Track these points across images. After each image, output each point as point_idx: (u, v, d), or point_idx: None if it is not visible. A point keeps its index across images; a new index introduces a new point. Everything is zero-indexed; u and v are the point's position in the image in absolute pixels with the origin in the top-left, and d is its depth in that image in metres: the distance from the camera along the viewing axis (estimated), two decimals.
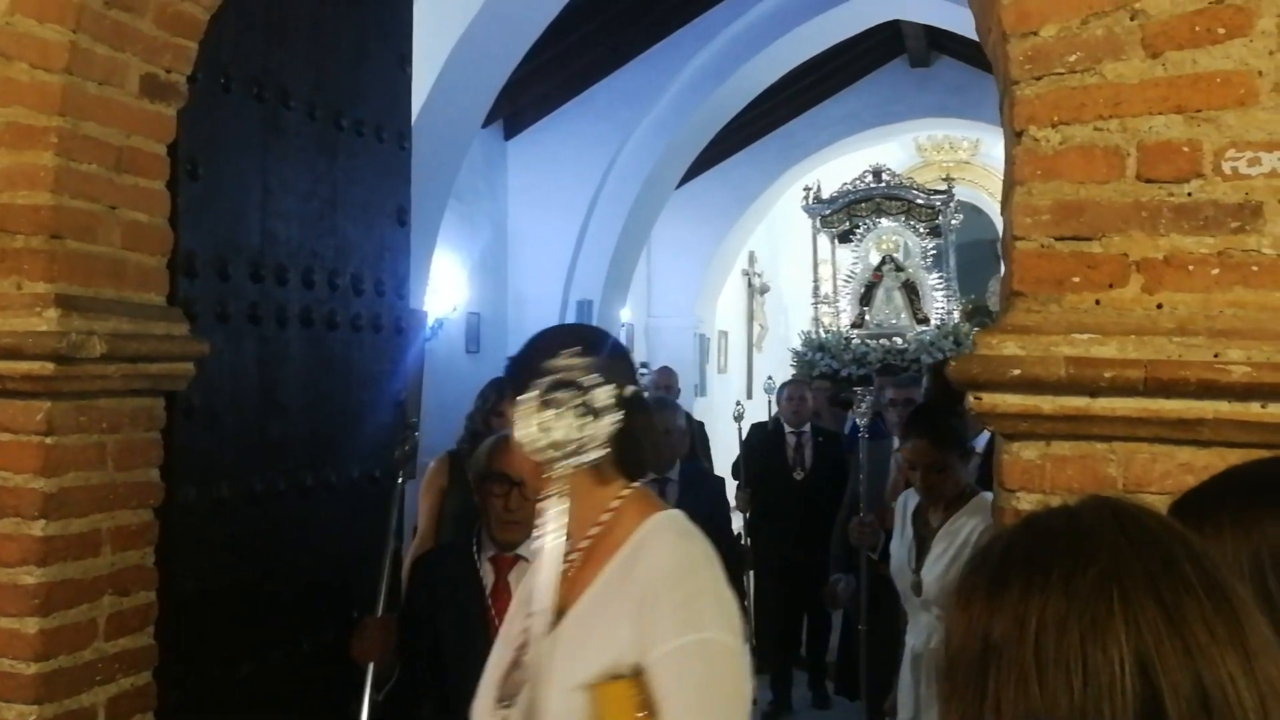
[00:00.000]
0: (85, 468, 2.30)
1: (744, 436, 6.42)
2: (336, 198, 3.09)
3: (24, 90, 2.20)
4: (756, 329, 15.46)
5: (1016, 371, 1.75)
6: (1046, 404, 1.75)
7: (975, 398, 1.81)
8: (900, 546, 3.64)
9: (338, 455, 3.08)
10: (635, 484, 1.74)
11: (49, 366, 2.16)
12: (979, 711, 0.89)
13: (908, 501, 3.68)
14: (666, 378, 8.23)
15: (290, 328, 2.93)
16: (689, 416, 5.67)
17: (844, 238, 11.46)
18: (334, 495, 3.05)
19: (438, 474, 4.07)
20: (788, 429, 6.63)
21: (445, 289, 8.22)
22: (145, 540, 2.45)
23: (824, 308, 11.27)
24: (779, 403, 6.89)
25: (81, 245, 2.27)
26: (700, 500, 4.27)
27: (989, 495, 3.33)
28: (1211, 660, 0.83)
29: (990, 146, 13.02)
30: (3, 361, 2.18)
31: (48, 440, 2.22)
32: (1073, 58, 1.78)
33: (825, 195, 11.04)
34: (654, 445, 1.81)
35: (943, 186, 11.29)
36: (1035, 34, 1.80)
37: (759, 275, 15.32)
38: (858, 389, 6.71)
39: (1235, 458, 1.68)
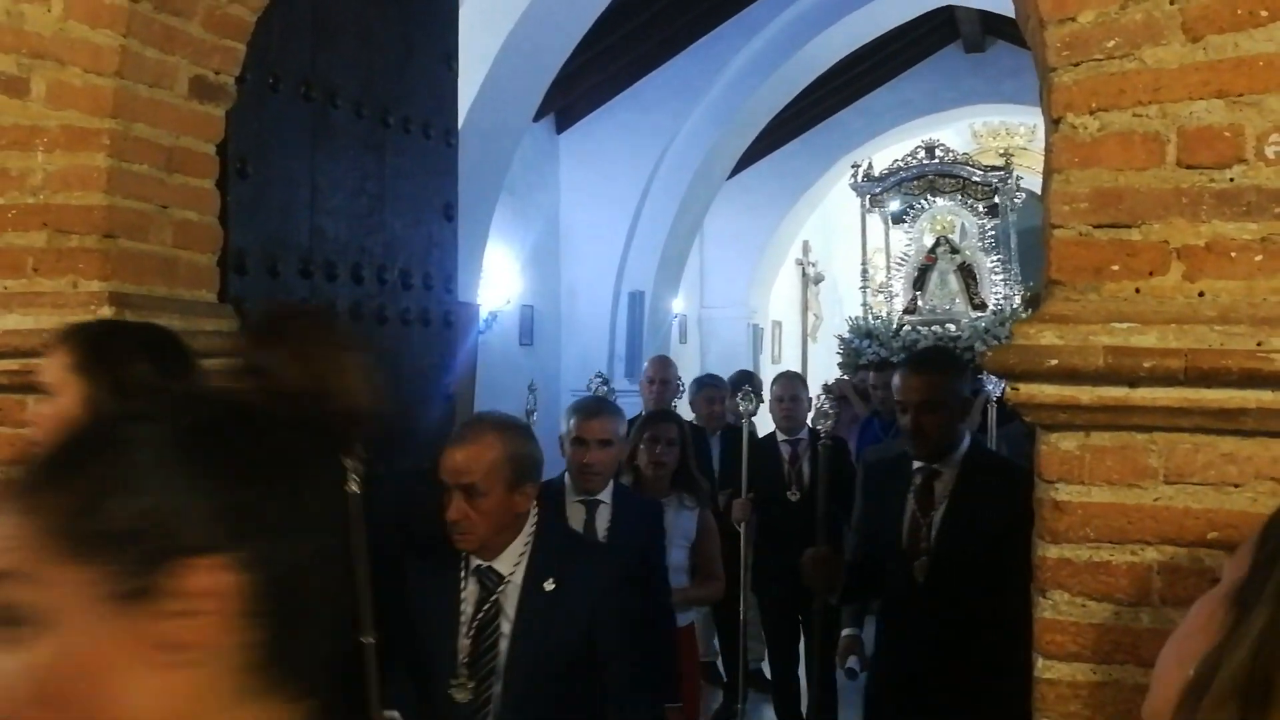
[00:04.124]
0: None
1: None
2: (384, 194, 3.13)
3: (77, 94, 2.27)
4: (811, 319, 15.38)
5: (1054, 361, 1.72)
6: (1085, 394, 1.72)
7: (1013, 388, 1.79)
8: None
9: (388, 448, 3.12)
10: None
11: None
12: None
13: None
14: (663, 370, 5.89)
15: (340, 323, 2.97)
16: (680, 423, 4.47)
17: (897, 219, 11.02)
18: (384, 488, 3.09)
19: None
20: (781, 437, 5.37)
21: (498, 282, 8.29)
22: None
23: (875, 294, 10.90)
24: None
25: (134, 244, 2.34)
26: (634, 529, 3.53)
27: None
28: None
29: None
30: None
31: None
32: (1111, 43, 1.75)
33: (876, 174, 10.62)
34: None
35: (1000, 164, 10.82)
36: (1073, 20, 1.78)
37: (813, 265, 15.24)
38: (870, 375, 6.17)
39: (1279, 448, 1.65)
